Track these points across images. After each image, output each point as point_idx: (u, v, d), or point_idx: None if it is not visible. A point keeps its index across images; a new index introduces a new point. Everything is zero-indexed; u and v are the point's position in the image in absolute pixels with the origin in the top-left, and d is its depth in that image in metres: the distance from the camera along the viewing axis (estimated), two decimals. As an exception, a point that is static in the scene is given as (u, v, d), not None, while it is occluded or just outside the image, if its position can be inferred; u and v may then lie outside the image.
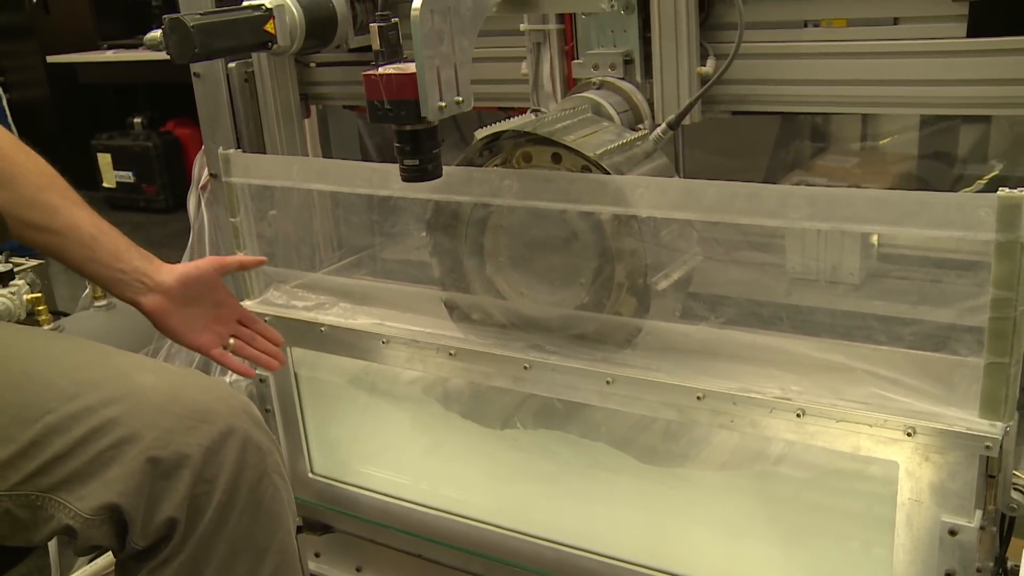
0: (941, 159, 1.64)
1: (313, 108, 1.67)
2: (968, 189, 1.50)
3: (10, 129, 2.15)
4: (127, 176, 4.58)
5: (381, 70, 0.90)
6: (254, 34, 1.31)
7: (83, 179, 4.71)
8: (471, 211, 1.17)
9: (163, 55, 3.81)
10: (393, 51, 0.92)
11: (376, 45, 0.91)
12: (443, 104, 0.89)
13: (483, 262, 1.19)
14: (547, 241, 1.14)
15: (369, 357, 1.29)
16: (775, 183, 1.73)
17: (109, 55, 4.47)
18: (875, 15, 1.14)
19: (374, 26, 0.92)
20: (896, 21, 1.14)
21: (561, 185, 1.07)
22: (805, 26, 1.19)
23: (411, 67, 0.89)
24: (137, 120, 4.62)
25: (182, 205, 4.52)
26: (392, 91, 0.88)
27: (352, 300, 1.35)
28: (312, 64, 1.60)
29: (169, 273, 1.10)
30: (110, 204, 4.68)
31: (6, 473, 0.83)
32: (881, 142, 1.73)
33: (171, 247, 4.24)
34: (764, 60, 1.21)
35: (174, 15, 1.23)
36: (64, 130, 4.81)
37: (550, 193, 1.08)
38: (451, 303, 1.24)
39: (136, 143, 4.54)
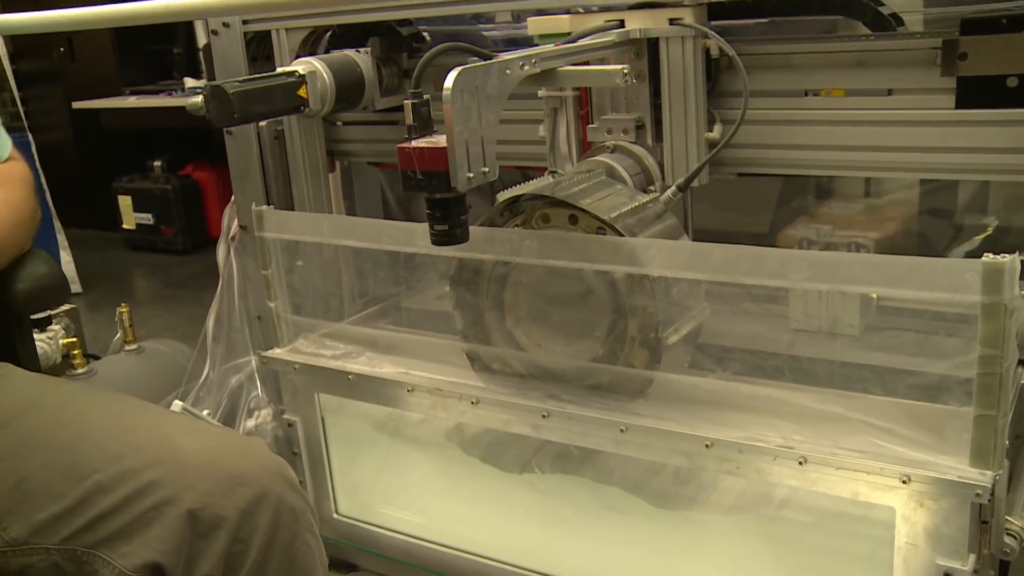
0: (941, 213, 1.72)
1: (338, 163, 1.75)
2: (964, 245, 1.57)
3: (35, 170, 2.22)
4: (146, 218, 4.68)
5: (414, 143, 0.97)
6: (288, 99, 1.39)
7: (104, 220, 4.83)
8: (492, 268, 1.25)
9: (183, 101, 3.93)
10: (424, 125, 1.00)
11: (409, 120, 0.99)
12: (471, 175, 0.97)
13: (503, 316, 1.27)
14: (564, 297, 1.22)
15: (394, 404, 1.36)
16: (780, 231, 1.81)
17: (131, 101, 4.59)
18: (871, 86, 1.22)
19: (407, 102, 1.00)
20: (890, 92, 1.21)
21: (578, 246, 1.15)
22: (806, 95, 1.27)
23: (442, 140, 0.97)
24: (157, 164, 4.72)
25: (200, 247, 4.65)
26: (424, 163, 0.96)
27: (378, 349, 1.42)
28: (338, 123, 1.69)
29: None
30: (129, 245, 4.78)
31: (56, 527, 0.89)
32: (883, 198, 1.80)
33: (189, 288, 4.35)
34: (767, 126, 1.29)
35: (215, 83, 1.31)
36: (86, 172, 4.92)
37: (567, 253, 1.16)
38: (473, 354, 1.31)
39: (155, 186, 4.64)
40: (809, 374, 1.19)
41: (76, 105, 4.70)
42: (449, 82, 0.95)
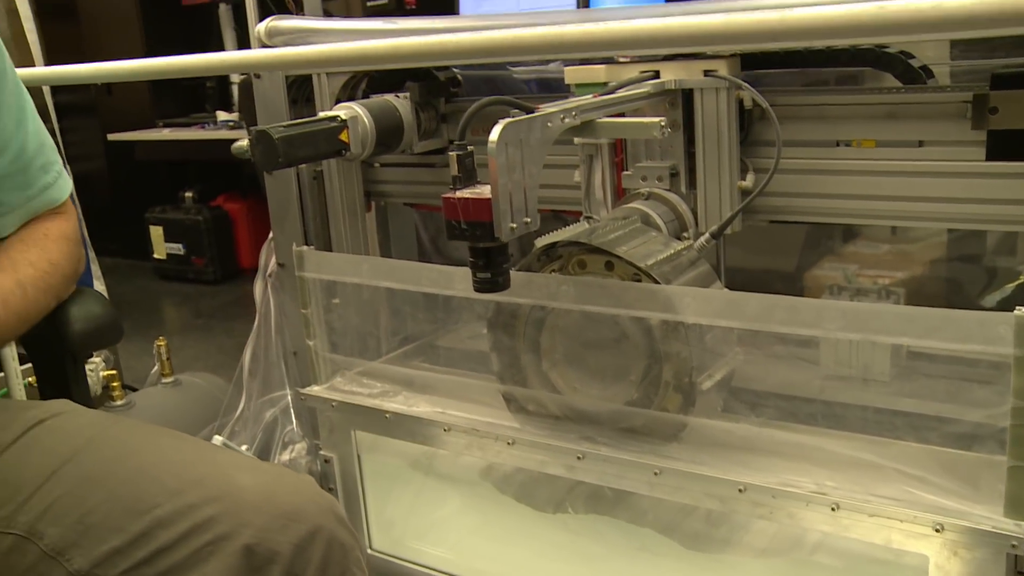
0: (971, 258, 1.73)
1: (374, 202, 1.79)
2: (996, 293, 1.59)
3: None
4: (177, 248, 4.74)
5: (459, 193, 1.01)
6: (330, 144, 1.43)
7: (135, 250, 4.90)
8: (530, 312, 1.28)
9: (215, 134, 3.99)
10: (469, 176, 1.03)
11: (454, 171, 1.03)
12: (514, 225, 1.00)
13: (539, 359, 1.29)
14: (600, 342, 1.24)
15: (431, 443, 1.39)
16: (807, 271, 1.83)
17: (165, 133, 4.68)
18: (902, 138, 1.25)
19: (452, 154, 1.03)
20: (921, 143, 1.24)
21: (614, 292, 1.18)
22: (837, 145, 1.30)
23: (486, 191, 1.00)
24: (188, 195, 4.79)
25: (230, 277, 4.71)
26: (469, 213, 1.00)
27: (414, 388, 1.45)
28: (376, 164, 1.73)
29: None
30: (160, 275, 4.84)
31: (117, 560, 0.91)
32: (910, 240, 1.82)
33: (219, 318, 4.40)
34: (799, 175, 1.31)
35: (260, 128, 1.35)
36: (119, 203, 5.01)
37: (604, 299, 1.18)
38: (509, 395, 1.34)
39: (187, 217, 4.71)
40: (841, 420, 1.21)
41: (111, 137, 4.80)
42: (494, 135, 0.98)
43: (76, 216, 1.19)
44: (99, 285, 4.18)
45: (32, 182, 1.10)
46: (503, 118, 1.04)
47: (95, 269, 4.18)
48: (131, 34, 5.01)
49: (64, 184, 1.16)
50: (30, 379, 1.89)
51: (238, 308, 4.32)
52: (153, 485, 0.92)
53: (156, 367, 2.23)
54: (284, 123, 1.38)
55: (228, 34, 4.94)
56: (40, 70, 1.59)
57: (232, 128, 4.47)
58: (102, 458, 0.95)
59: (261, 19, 4.39)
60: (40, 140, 1.12)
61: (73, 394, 1.17)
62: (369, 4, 3.68)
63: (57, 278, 1.09)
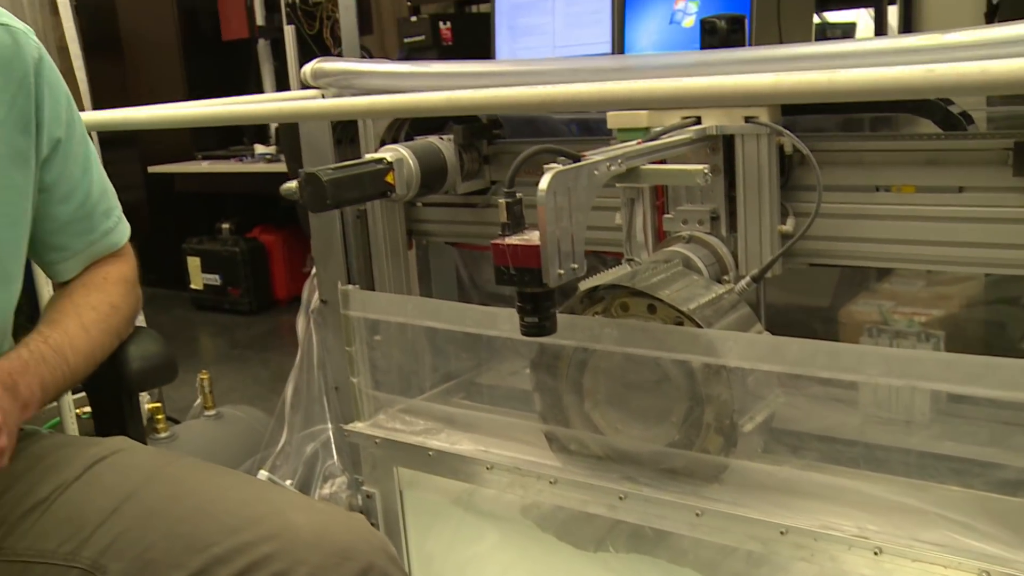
0: (1012, 300, 1.73)
1: (415, 240, 1.83)
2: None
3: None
4: (214, 279, 4.81)
5: (508, 240, 1.03)
6: (376, 185, 1.47)
7: (172, 280, 4.98)
8: (573, 354, 1.30)
9: (252, 167, 4.05)
10: (517, 222, 1.06)
11: (503, 218, 1.05)
12: (562, 272, 1.03)
13: (582, 399, 1.31)
14: (642, 383, 1.26)
15: (473, 480, 1.41)
16: (843, 306, 1.84)
17: (204, 166, 4.77)
18: (942, 184, 1.26)
19: (501, 201, 1.06)
20: (961, 190, 1.25)
21: (657, 335, 1.20)
22: (877, 191, 1.32)
23: (534, 238, 1.03)
24: (225, 226, 4.87)
25: (265, 308, 4.77)
26: (518, 259, 1.02)
27: (457, 426, 1.47)
28: (419, 203, 1.76)
29: None
30: (196, 305, 4.91)
31: None
32: (947, 277, 1.82)
33: (255, 349, 4.45)
34: (839, 220, 1.33)
35: (309, 170, 1.39)
36: (157, 233, 5.09)
37: (647, 342, 1.20)
38: (551, 435, 1.36)
39: (224, 248, 4.78)
40: (883, 463, 1.21)
41: (151, 169, 4.89)
42: (544, 184, 1.01)
43: (134, 259, 1.22)
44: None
45: (95, 227, 1.14)
46: (547, 163, 1.07)
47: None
48: (172, 68, 5.12)
49: (123, 229, 1.20)
50: (78, 411, 1.94)
51: (273, 339, 4.38)
52: (211, 523, 0.95)
53: (199, 400, 2.27)
54: (332, 165, 1.42)
55: (266, 69, 5.03)
56: (101, 115, 1.64)
57: (269, 161, 4.55)
58: (162, 495, 0.98)
59: (299, 54, 4.48)
60: (103, 186, 1.16)
61: (129, 430, 1.20)
62: (406, 40, 3.76)
63: (118, 320, 1.13)
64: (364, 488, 1.57)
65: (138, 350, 1.18)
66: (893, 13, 3.09)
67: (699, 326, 1.19)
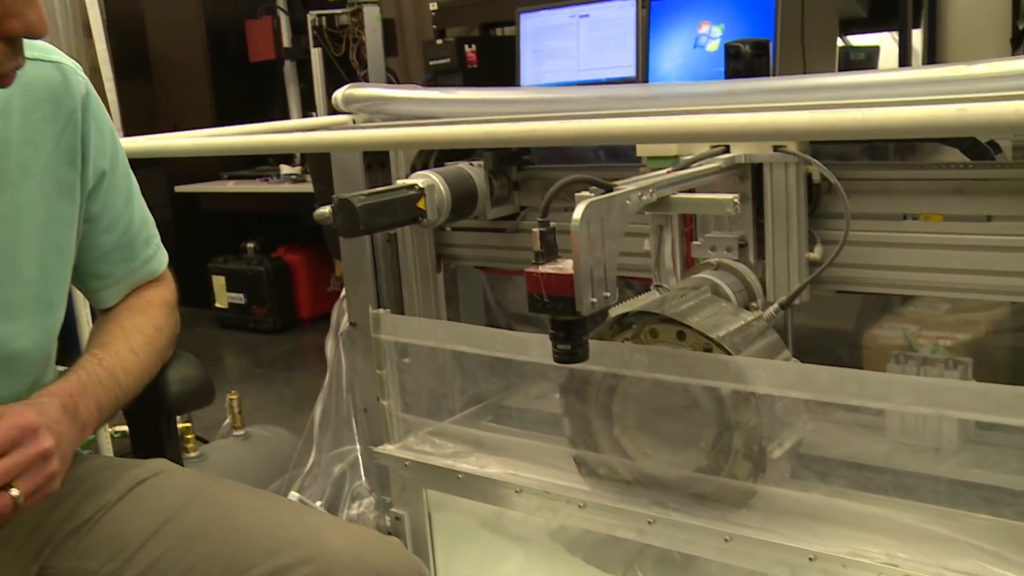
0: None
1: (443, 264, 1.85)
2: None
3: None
4: (238, 298, 4.85)
5: (541, 268, 1.05)
6: (408, 211, 1.49)
7: (197, 299, 5.02)
8: (602, 379, 1.31)
9: (277, 187, 4.09)
10: (551, 251, 1.08)
11: (536, 247, 1.07)
12: (595, 300, 1.04)
13: (611, 424, 1.33)
14: (671, 409, 1.27)
15: (502, 504, 1.42)
16: (867, 329, 1.84)
17: (230, 186, 4.82)
18: (970, 212, 1.27)
19: (535, 230, 1.08)
20: (989, 219, 1.26)
21: (686, 362, 1.21)
22: (904, 219, 1.33)
23: (567, 267, 1.05)
24: (250, 245, 4.92)
25: (289, 327, 4.81)
26: (551, 288, 1.04)
27: (485, 449, 1.49)
28: (448, 228, 1.79)
29: None
30: (221, 324, 4.95)
31: None
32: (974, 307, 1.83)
33: (278, 368, 4.48)
34: (866, 247, 1.34)
35: (342, 196, 1.41)
36: (183, 252, 5.14)
37: (676, 368, 1.22)
38: (580, 459, 1.37)
39: (248, 267, 4.83)
40: (912, 490, 1.22)
41: (178, 189, 4.95)
42: (577, 214, 1.03)
43: (173, 284, 1.25)
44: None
45: (136, 255, 1.17)
46: (579, 191, 1.09)
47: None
48: (200, 89, 5.19)
49: (162, 256, 1.23)
50: (112, 430, 1.97)
51: (297, 358, 4.41)
52: (250, 545, 0.97)
53: (228, 420, 2.29)
54: (365, 191, 1.44)
55: (292, 89, 5.10)
56: (133, 142, 1.67)
57: (295, 182, 4.60)
58: (202, 517, 1.00)
59: (325, 76, 4.51)
60: (143, 215, 1.19)
61: (167, 452, 1.23)
62: (432, 63, 3.80)
63: (162, 342, 1.15)
64: (393, 510, 1.59)
65: (176, 374, 1.20)
66: (917, 37, 3.10)
67: (728, 353, 1.20)
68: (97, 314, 1.21)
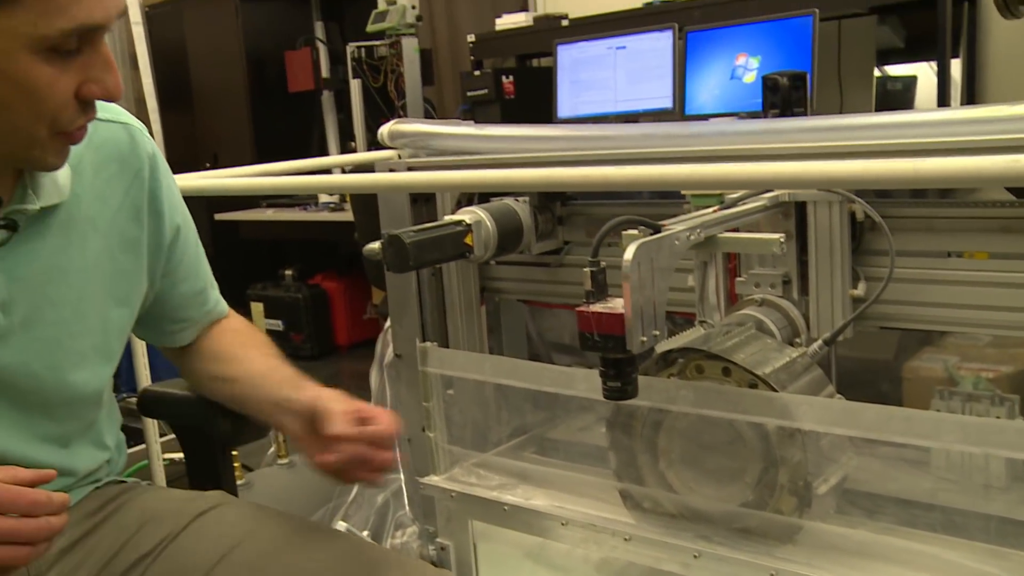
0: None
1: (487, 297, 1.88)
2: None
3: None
4: (277, 324, 4.91)
5: (592, 308, 1.08)
6: (456, 247, 1.52)
7: (236, 326, 5.09)
8: (647, 414, 1.33)
9: (316, 215, 4.16)
10: (601, 291, 1.10)
11: (588, 286, 1.10)
12: (644, 339, 1.07)
13: (657, 458, 1.34)
14: (716, 444, 1.29)
15: (547, 536, 1.44)
16: (907, 361, 1.84)
17: (269, 214, 4.89)
18: (1016, 251, 1.28)
19: (586, 270, 1.10)
20: (1036, 256, 1.27)
21: (732, 398, 1.23)
22: (948, 256, 1.34)
23: (618, 306, 1.07)
24: (288, 272, 4.98)
25: (327, 354, 4.85)
26: (602, 327, 1.06)
27: (530, 481, 1.51)
28: (492, 262, 1.81)
29: (311, 399, 1.14)
30: (259, 350, 5.01)
31: None
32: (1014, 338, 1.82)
33: (317, 394, 4.48)
34: (910, 284, 1.35)
35: (393, 232, 1.44)
36: (222, 279, 5.20)
37: (722, 404, 1.23)
38: (625, 492, 1.39)
39: (287, 294, 4.89)
40: (961, 529, 1.22)
41: (218, 216, 5.02)
42: (628, 255, 1.05)
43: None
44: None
45: (208, 298, 1.22)
46: (624, 229, 1.12)
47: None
48: (240, 118, 5.28)
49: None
50: (162, 456, 2.01)
51: (334, 385, 4.43)
52: None
53: (272, 448, 2.33)
54: (414, 228, 1.48)
55: (330, 119, 5.18)
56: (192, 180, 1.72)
57: (333, 210, 4.66)
58: (261, 551, 1.03)
59: (364, 106, 4.57)
60: (205, 259, 1.23)
61: (222, 482, 1.26)
62: (469, 94, 3.85)
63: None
64: (439, 540, 1.61)
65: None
66: (956, 66, 3.10)
67: (774, 389, 1.21)
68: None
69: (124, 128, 1.05)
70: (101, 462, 1.11)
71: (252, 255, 5.27)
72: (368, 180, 1.54)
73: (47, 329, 0.97)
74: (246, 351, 1.21)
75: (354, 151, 4.67)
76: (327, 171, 2.19)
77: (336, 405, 1.12)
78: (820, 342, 1.34)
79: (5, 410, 0.96)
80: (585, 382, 1.35)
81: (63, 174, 0.96)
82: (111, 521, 1.08)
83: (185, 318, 1.19)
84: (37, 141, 0.86)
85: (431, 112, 4.56)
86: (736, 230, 1.32)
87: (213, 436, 1.24)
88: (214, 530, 1.06)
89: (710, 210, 1.27)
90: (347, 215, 4.16)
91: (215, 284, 1.25)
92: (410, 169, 1.80)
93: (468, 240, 1.54)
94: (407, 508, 1.95)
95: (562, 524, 1.41)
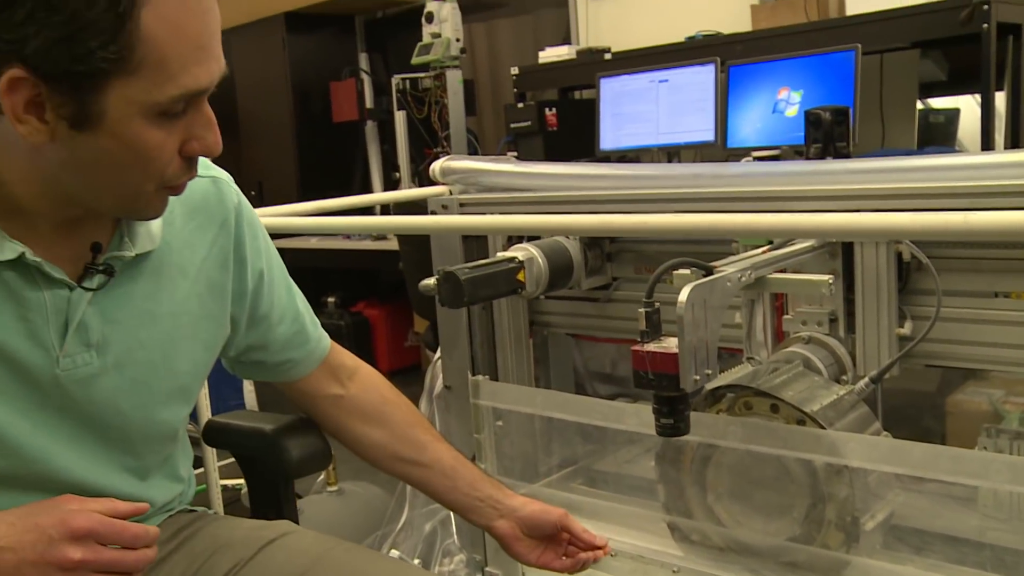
0: None
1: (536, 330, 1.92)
2: None
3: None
4: (320, 351, 4.97)
5: (647, 347, 1.12)
6: (509, 283, 1.57)
7: (280, 352, 5.17)
8: (697, 448, 1.36)
9: (359, 244, 4.23)
10: (655, 330, 1.14)
11: (642, 326, 1.14)
12: (697, 377, 1.10)
13: (705, 492, 1.37)
14: (764, 479, 1.32)
15: (597, 567, 1.46)
16: (950, 395, 1.85)
17: (312, 242, 4.97)
18: (1063, 291, 1.30)
19: (641, 311, 1.14)
20: (1082, 298, 1.29)
21: (780, 435, 1.26)
22: (995, 296, 1.36)
23: (672, 345, 1.10)
24: (331, 300, 5.05)
25: (369, 380, 4.90)
26: (656, 365, 1.10)
27: (580, 513, 1.53)
28: (541, 296, 1.86)
29: (522, 505, 1.28)
30: (302, 376, 5.08)
31: None
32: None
33: (359, 420, 4.53)
34: (956, 324, 1.37)
35: (448, 269, 1.49)
36: (266, 306, 5.30)
37: (771, 440, 1.26)
38: (674, 525, 1.42)
39: (329, 321, 4.95)
40: (1013, 568, 1.24)
41: (263, 244, 5.11)
42: (683, 297, 1.09)
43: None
44: (248, 387, 4.44)
45: (309, 337, 1.26)
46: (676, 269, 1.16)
47: (245, 370, 4.44)
48: (285, 147, 5.39)
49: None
50: (220, 483, 2.07)
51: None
52: None
53: (322, 476, 2.38)
54: (468, 265, 1.52)
55: (373, 148, 5.27)
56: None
57: (375, 239, 4.73)
58: (329, 577, 1.07)
59: (408, 137, 4.63)
60: (303, 299, 1.28)
61: (284, 512, 1.31)
62: (513, 126, 3.91)
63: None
64: (488, 568, 1.65)
65: (297, 439, 1.29)
66: (1000, 99, 3.10)
67: (821, 427, 1.24)
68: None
69: (212, 181, 1.11)
70: (176, 494, 1.16)
71: (296, 282, 5.35)
72: (424, 222, 1.60)
73: (136, 370, 1.03)
74: (423, 434, 1.30)
75: (398, 181, 4.74)
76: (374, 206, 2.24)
77: (557, 513, 1.29)
78: (867, 380, 1.36)
79: (90, 444, 1.02)
80: (635, 416, 1.39)
81: (156, 223, 1.01)
82: (184, 549, 1.12)
83: (288, 359, 1.24)
84: (143, 195, 0.92)
85: (474, 142, 4.63)
86: (784, 269, 1.35)
87: (277, 467, 1.28)
88: (283, 557, 1.10)
89: (760, 251, 1.31)
90: (389, 244, 4.22)
91: (316, 322, 1.29)
92: (462, 206, 1.85)
93: (520, 277, 1.58)
94: (455, 536, 1.99)
95: (611, 555, 1.45)
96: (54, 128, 0.84)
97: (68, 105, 0.83)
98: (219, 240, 1.10)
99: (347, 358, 1.32)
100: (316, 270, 5.31)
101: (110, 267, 0.98)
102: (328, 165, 5.29)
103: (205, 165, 1.09)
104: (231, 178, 1.14)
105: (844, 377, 1.42)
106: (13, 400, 0.95)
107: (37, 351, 0.95)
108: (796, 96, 3.08)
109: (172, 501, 1.16)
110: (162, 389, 1.06)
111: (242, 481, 2.54)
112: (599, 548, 1.30)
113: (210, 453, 2.19)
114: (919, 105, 3.36)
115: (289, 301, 1.23)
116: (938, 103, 3.44)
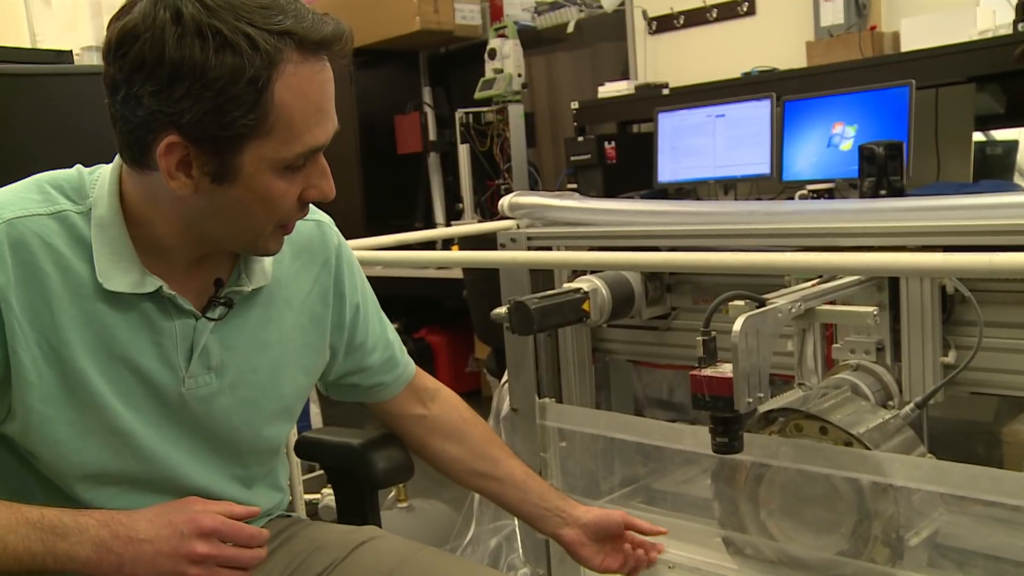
0: None
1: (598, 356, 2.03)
2: None
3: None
4: (383, 376, 5.12)
5: (704, 372, 1.22)
6: (575, 313, 1.68)
7: (345, 376, 5.32)
8: (750, 467, 1.46)
9: (422, 272, 4.36)
10: (712, 357, 1.25)
11: (700, 353, 1.25)
12: (750, 400, 1.21)
13: (758, 508, 1.47)
14: (814, 497, 1.41)
15: (657, 578, 1.57)
16: (1006, 424, 1.91)
17: (378, 270, 5.13)
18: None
19: (699, 339, 1.25)
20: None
21: (829, 455, 1.35)
22: (1036, 327, 1.45)
23: (727, 370, 1.21)
24: (395, 326, 5.19)
25: (431, 404, 5.03)
26: (712, 388, 1.21)
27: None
28: (604, 324, 1.97)
29: (585, 513, 1.37)
30: (366, 399, 5.23)
31: None
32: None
33: (422, 443, 4.64)
34: (1000, 353, 1.46)
35: (518, 299, 1.61)
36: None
37: (820, 460, 1.36)
38: (728, 539, 1.51)
39: (394, 346, 5.10)
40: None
41: (330, 272, 5.29)
42: (737, 327, 1.20)
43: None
44: (315, 408, 4.60)
45: (399, 361, 1.39)
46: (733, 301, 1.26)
47: (312, 393, 4.60)
48: (351, 177, 5.56)
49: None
50: (305, 496, 2.20)
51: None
52: None
53: (393, 492, 2.51)
54: (537, 295, 1.64)
55: (435, 179, 5.42)
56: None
57: (439, 268, 4.88)
58: (417, 574, 1.19)
59: (471, 168, 4.78)
60: (390, 329, 1.40)
61: (369, 520, 1.43)
62: (573, 159, 4.03)
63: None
64: (546, 579, 1.75)
65: (383, 452, 1.41)
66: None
67: (867, 448, 1.34)
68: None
69: (316, 225, 1.24)
70: (276, 501, 1.29)
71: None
72: (496, 257, 1.72)
73: (248, 391, 1.16)
74: (498, 450, 1.41)
75: (461, 211, 4.89)
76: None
77: (618, 514, 1.39)
78: (911, 405, 1.45)
79: (206, 454, 1.15)
80: (692, 437, 1.49)
81: (268, 261, 1.15)
82: (284, 549, 1.25)
83: (379, 383, 1.37)
84: (263, 235, 1.06)
85: (534, 174, 4.76)
86: (834, 301, 1.45)
87: (365, 478, 1.41)
88: (373, 558, 1.22)
89: (810, 283, 1.41)
90: (452, 272, 4.36)
91: (403, 348, 1.42)
92: (529, 239, 1.97)
93: (585, 307, 1.70)
94: (519, 551, 2.09)
95: (669, 567, 1.55)
96: (198, 182, 0.98)
97: (211, 163, 0.97)
98: (321, 277, 1.23)
99: (429, 381, 1.44)
100: (381, 297, 5.46)
101: (230, 300, 1.12)
102: (392, 195, 5.45)
103: (312, 209, 1.22)
104: (332, 221, 1.27)
105: (890, 403, 1.51)
106: (147, 413, 1.08)
107: (167, 372, 1.09)
108: (851, 131, 3.15)
109: (273, 508, 1.29)
110: (269, 409, 1.19)
111: (319, 495, 2.69)
112: (658, 544, 1.40)
113: (295, 466, 2.32)
114: (978, 136, 3.40)
115: (381, 331, 1.35)
116: (997, 135, 3.46)
